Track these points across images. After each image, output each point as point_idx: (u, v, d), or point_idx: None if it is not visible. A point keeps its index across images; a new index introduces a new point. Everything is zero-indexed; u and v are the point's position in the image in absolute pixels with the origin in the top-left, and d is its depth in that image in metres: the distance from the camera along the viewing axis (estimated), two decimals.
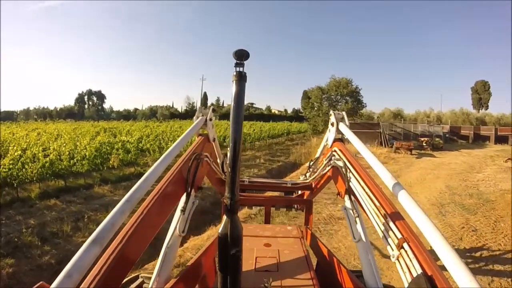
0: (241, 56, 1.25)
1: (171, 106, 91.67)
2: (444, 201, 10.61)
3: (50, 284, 0.95)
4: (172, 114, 77.48)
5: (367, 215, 1.83)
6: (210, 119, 2.79)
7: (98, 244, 1.09)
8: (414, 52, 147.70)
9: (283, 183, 3.88)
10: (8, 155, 9.88)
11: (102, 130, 25.86)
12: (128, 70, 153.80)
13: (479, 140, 34.05)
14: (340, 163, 2.28)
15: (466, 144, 31.79)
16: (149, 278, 1.86)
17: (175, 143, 2.06)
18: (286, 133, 37.40)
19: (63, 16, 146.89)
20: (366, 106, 32.98)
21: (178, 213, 1.89)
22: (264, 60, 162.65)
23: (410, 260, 1.28)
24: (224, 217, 1.20)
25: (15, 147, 10.75)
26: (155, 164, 1.70)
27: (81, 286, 1.05)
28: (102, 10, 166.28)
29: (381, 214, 1.64)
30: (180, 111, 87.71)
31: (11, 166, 9.68)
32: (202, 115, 2.75)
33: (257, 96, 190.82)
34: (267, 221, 3.67)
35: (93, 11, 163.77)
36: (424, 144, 26.05)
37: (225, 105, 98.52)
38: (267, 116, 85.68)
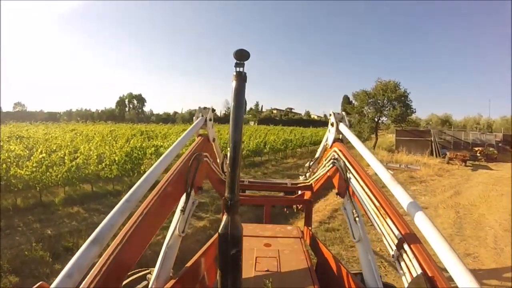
0: (241, 56, 1.24)
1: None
2: None
3: (50, 284, 0.95)
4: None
5: (367, 215, 1.83)
6: (210, 119, 2.79)
7: (98, 244, 1.10)
8: (460, 56, 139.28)
9: (283, 183, 3.86)
10: (32, 157, 9.26)
11: (138, 132, 25.65)
12: (170, 75, 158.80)
13: None
14: (340, 163, 2.28)
15: None
16: None
17: (175, 143, 2.10)
18: None
19: (108, 20, 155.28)
20: (415, 112, 30.02)
21: (178, 213, 1.90)
22: (303, 65, 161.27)
23: (410, 260, 1.31)
24: (224, 217, 1.19)
25: (39, 149, 10.10)
26: (154, 164, 1.73)
27: (81, 286, 1.07)
28: (145, 20, 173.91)
29: (381, 214, 1.66)
30: (219, 115, 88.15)
31: (34, 169, 9.04)
32: (202, 115, 2.75)
33: (296, 101, 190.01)
34: (267, 221, 3.53)
35: (137, 19, 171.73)
36: (478, 155, 23.48)
37: (264, 109, 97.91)
38: (307, 122, 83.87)
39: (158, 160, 1.78)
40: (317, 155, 3.36)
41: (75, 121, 52.31)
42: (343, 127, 2.63)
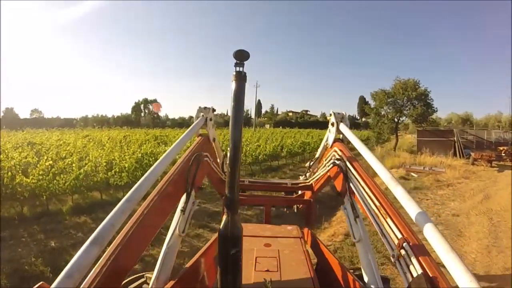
0: (241, 56, 1.25)
1: (225, 114, 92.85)
2: None
3: (51, 285, 0.95)
4: (226, 122, 75.75)
5: (367, 215, 1.83)
6: (210, 119, 2.79)
7: (98, 244, 1.10)
8: (479, 52, 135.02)
9: (283, 183, 3.88)
10: (38, 165, 8.95)
11: (152, 138, 25.41)
12: (184, 79, 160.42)
13: None
14: (340, 163, 2.27)
15: None
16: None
17: (174, 143, 2.12)
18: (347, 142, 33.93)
19: (122, 23, 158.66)
20: (436, 111, 28.62)
21: (178, 213, 1.88)
22: (318, 66, 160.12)
23: (410, 260, 1.31)
24: (224, 217, 1.20)
25: (45, 157, 9.81)
26: (155, 164, 1.73)
27: (81, 286, 1.08)
28: (160, 24, 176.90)
29: (381, 214, 1.67)
30: None
31: (40, 177, 8.72)
32: (202, 115, 2.75)
33: (311, 103, 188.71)
34: (267, 221, 3.46)
35: (151, 24, 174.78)
36: (503, 154, 21.79)
37: (279, 112, 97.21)
38: (323, 124, 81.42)
39: (158, 160, 1.80)
40: (317, 155, 3.36)
41: (91, 127, 52.89)
42: (343, 127, 2.64)
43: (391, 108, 28.32)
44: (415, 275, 1.24)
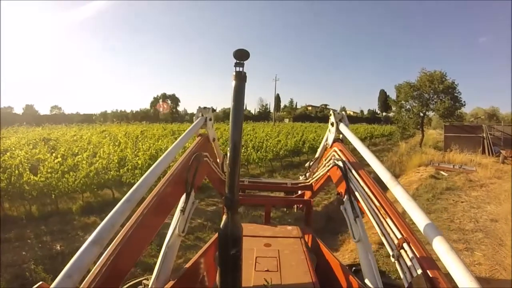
0: (241, 56, 1.26)
1: (244, 108, 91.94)
2: None
3: (50, 284, 0.95)
4: (245, 116, 75.07)
5: (367, 215, 1.84)
6: (210, 119, 2.82)
7: (98, 244, 1.09)
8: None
9: (283, 183, 3.90)
10: (46, 163, 8.59)
11: (169, 132, 25.08)
12: (203, 74, 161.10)
13: None
14: (340, 163, 2.26)
15: None
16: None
17: (174, 143, 2.12)
18: (369, 137, 32.72)
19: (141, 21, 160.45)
20: (464, 105, 26.85)
21: (178, 213, 1.86)
22: (337, 59, 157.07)
23: (410, 260, 1.32)
24: (224, 217, 1.22)
25: (55, 153, 9.45)
26: (154, 164, 1.74)
27: (81, 286, 1.08)
28: (179, 19, 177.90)
29: (381, 214, 1.71)
30: (253, 113, 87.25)
31: (49, 175, 8.38)
32: (202, 115, 2.78)
33: (331, 97, 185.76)
34: (267, 221, 3.40)
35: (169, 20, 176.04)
36: None
37: (298, 106, 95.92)
38: None
39: (158, 160, 1.81)
40: (317, 155, 3.34)
41: (110, 122, 53.49)
42: (343, 127, 2.65)
43: (416, 101, 26.80)
44: (415, 275, 1.24)
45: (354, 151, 2.56)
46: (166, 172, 1.98)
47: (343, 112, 2.74)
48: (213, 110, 2.87)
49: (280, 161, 16.88)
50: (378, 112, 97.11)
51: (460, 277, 0.95)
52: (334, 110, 2.78)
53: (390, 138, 35.72)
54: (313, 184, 3.43)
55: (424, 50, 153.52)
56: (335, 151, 2.62)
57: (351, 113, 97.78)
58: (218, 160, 3.14)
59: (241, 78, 1.25)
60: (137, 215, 1.51)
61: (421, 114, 26.67)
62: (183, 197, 1.93)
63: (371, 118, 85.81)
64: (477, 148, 22.59)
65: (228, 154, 1.23)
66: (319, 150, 3.30)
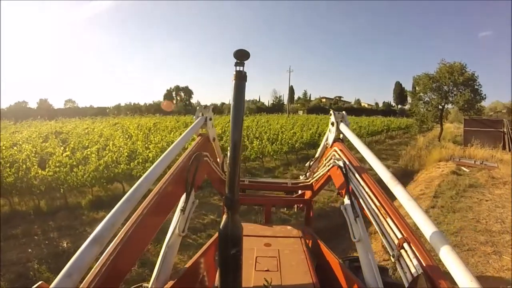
0: (241, 56, 1.27)
1: (257, 100, 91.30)
2: None
3: (50, 284, 0.94)
4: (258, 108, 74.88)
5: (367, 215, 1.83)
6: (210, 119, 2.79)
7: (98, 244, 1.08)
8: None
9: (283, 183, 3.86)
10: (54, 156, 8.37)
11: (182, 124, 24.81)
12: (216, 66, 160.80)
13: None
14: (341, 163, 2.27)
15: None
16: None
17: (174, 143, 2.09)
18: (386, 130, 31.64)
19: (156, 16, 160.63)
20: (485, 98, 25.51)
21: (178, 213, 1.87)
22: (352, 51, 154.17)
23: (410, 260, 1.32)
24: (224, 217, 1.20)
25: (63, 147, 9.21)
26: (154, 164, 1.73)
27: (81, 286, 1.06)
28: (193, 11, 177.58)
29: (381, 214, 1.69)
30: (267, 105, 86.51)
31: (57, 170, 8.16)
32: (202, 115, 2.76)
33: (345, 89, 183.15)
34: (268, 221, 3.43)
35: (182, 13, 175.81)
36: None
37: (312, 98, 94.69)
38: (358, 110, 78.23)
39: (158, 160, 1.79)
40: (317, 154, 3.34)
41: (124, 115, 53.67)
42: (343, 127, 2.64)
43: (435, 94, 25.70)
44: (415, 275, 1.24)
45: (355, 151, 2.53)
46: (166, 171, 1.93)
47: (343, 112, 2.75)
48: (213, 110, 2.89)
49: (295, 153, 16.40)
50: (393, 104, 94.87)
51: (460, 277, 0.94)
52: (334, 110, 2.75)
53: (407, 131, 34.77)
54: (313, 183, 3.40)
55: (441, 42, 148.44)
56: (336, 151, 2.61)
57: (366, 105, 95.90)
58: (218, 160, 3.14)
59: (241, 78, 1.27)
60: (137, 214, 1.50)
61: (440, 107, 25.60)
62: (183, 196, 1.93)
63: (386, 110, 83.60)
64: (498, 143, 21.51)
65: (228, 154, 1.23)
66: (319, 149, 3.27)
